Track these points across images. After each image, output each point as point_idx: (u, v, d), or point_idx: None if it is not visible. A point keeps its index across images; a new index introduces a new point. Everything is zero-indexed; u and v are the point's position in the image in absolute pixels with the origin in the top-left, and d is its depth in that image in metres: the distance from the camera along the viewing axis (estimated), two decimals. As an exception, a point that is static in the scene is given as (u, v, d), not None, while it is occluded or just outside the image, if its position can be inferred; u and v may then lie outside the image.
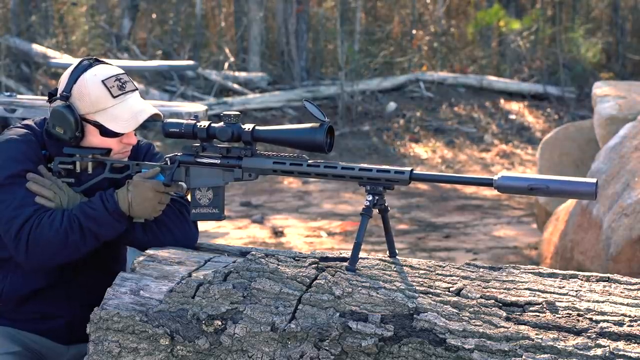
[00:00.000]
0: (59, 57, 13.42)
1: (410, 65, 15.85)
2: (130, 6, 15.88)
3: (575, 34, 16.26)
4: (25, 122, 2.59)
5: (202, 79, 14.57)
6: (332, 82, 14.87)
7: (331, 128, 2.31)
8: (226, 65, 14.93)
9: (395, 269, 2.27)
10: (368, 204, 2.25)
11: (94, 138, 2.49)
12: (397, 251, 2.38)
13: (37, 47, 13.94)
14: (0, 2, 15.06)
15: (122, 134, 2.50)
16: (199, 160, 2.44)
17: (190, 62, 14.02)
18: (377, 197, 2.26)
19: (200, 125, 2.40)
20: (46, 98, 2.55)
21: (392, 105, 14.26)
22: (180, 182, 2.46)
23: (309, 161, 2.32)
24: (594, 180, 2.10)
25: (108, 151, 2.51)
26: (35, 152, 2.49)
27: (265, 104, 13.86)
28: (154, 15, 16.61)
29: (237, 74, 14.91)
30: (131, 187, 2.41)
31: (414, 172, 2.24)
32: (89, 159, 2.50)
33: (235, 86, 14.55)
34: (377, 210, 2.30)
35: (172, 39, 16.39)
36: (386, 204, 2.30)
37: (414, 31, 16.76)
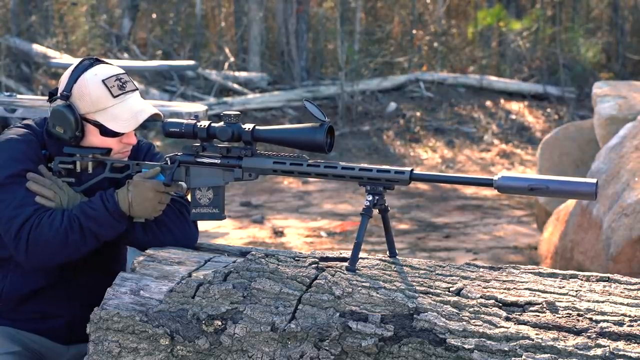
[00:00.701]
0: (59, 57, 13.41)
1: (410, 65, 15.84)
2: (130, 6, 15.87)
3: (575, 34, 16.25)
4: (25, 121, 2.59)
5: (202, 79, 14.56)
6: (332, 82, 14.85)
7: (331, 128, 2.31)
8: (226, 65, 14.92)
9: (395, 269, 2.27)
10: (368, 204, 2.25)
11: (94, 138, 2.50)
12: (397, 251, 2.38)
13: (37, 47, 13.93)
14: (0, 2, 15.05)
15: (122, 134, 2.50)
16: (199, 160, 2.44)
17: (190, 62, 14.01)
18: (377, 197, 2.26)
19: (201, 125, 2.40)
20: (46, 98, 2.55)
21: (392, 105, 14.25)
22: (180, 182, 2.46)
23: (309, 161, 2.32)
24: (594, 180, 2.11)
25: (108, 151, 2.51)
26: (36, 151, 2.49)
27: (265, 104, 13.85)
28: (154, 15, 16.60)
29: (237, 74, 14.90)
30: (131, 187, 2.41)
31: (414, 172, 2.24)
32: (89, 158, 2.50)
33: (235, 86, 14.54)
34: (377, 210, 2.30)
35: (172, 39, 16.38)
36: (386, 204, 2.30)
37: (414, 31, 16.75)
